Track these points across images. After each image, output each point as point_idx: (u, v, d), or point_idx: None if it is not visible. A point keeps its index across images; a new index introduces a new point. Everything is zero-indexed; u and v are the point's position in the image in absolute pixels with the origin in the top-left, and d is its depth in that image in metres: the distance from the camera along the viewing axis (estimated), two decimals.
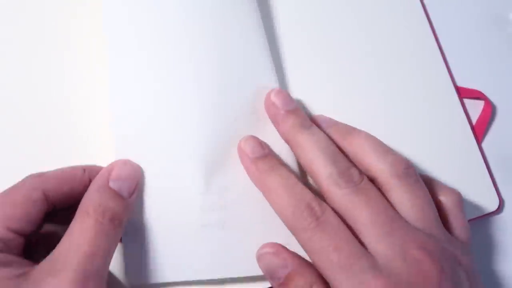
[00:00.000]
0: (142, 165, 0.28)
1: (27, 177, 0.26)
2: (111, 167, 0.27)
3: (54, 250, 0.24)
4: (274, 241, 0.27)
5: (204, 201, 0.28)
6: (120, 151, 0.28)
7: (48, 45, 0.32)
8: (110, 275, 0.28)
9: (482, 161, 0.33)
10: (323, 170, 0.26)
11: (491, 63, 0.37)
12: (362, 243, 0.25)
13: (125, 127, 0.29)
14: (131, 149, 0.28)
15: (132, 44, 0.30)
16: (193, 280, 0.28)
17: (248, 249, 0.28)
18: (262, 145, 0.29)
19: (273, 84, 0.31)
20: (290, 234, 0.26)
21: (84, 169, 0.27)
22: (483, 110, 0.35)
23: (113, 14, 0.30)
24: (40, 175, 0.26)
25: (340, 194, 0.26)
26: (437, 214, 0.27)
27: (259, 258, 0.27)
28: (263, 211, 0.28)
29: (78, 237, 0.24)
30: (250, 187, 0.28)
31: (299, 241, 0.26)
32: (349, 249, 0.24)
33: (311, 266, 0.26)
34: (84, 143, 0.31)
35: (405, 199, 0.26)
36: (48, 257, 0.24)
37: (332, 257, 0.24)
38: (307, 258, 0.26)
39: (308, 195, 0.26)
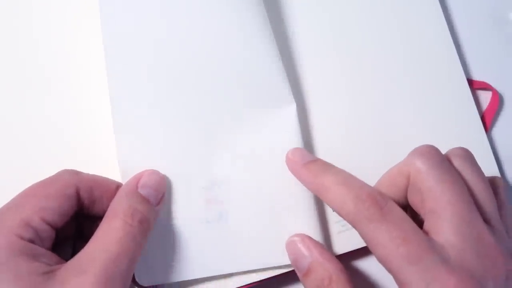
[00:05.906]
0: (143, 164, 0.28)
1: (62, 171, 0.27)
2: (139, 175, 0.28)
3: (82, 250, 0.24)
4: (277, 231, 0.29)
5: (208, 195, 0.29)
6: (122, 153, 0.29)
7: (53, 45, 0.33)
8: None
9: (491, 151, 0.34)
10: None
11: (491, 61, 0.38)
12: (426, 232, 0.24)
13: (127, 128, 0.29)
14: (133, 150, 0.29)
15: (133, 49, 0.30)
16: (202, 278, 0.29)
17: (253, 243, 0.29)
18: (310, 153, 0.29)
19: (281, 77, 0.31)
20: (291, 224, 0.28)
21: (118, 186, 0.28)
22: (491, 100, 0.36)
23: (115, 28, 0.30)
24: (76, 173, 0.27)
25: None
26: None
27: (287, 245, 0.28)
28: (263, 203, 0.29)
29: (106, 238, 0.24)
30: (249, 180, 0.29)
31: (361, 233, 0.25)
32: (417, 242, 0.23)
33: (332, 257, 0.27)
34: (85, 142, 0.31)
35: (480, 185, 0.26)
36: (76, 256, 0.24)
37: (401, 249, 0.23)
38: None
39: (367, 186, 0.26)
